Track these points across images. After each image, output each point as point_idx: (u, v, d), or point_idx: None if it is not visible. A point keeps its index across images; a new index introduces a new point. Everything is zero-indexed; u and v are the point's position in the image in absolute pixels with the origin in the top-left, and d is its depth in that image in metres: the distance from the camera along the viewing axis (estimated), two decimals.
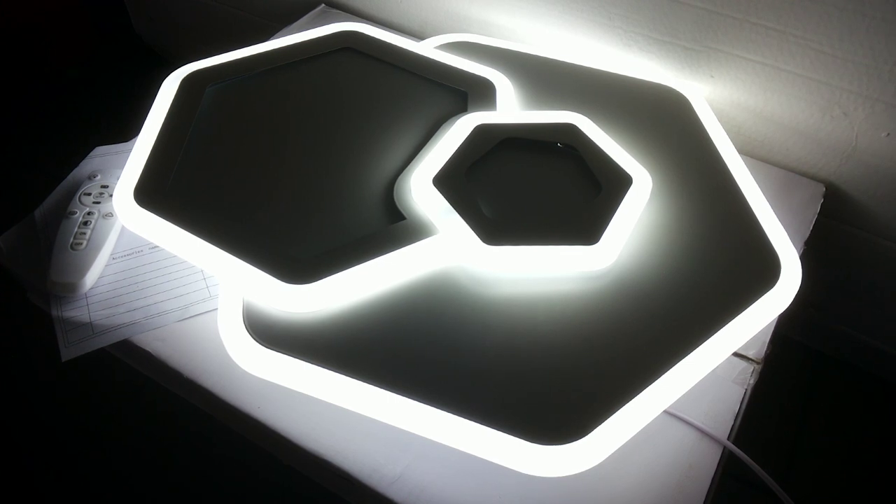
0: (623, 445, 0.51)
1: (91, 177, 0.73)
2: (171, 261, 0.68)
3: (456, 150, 0.65)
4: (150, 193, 0.62)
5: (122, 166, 0.66)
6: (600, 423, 0.50)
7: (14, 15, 1.33)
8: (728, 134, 0.73)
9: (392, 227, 0.60)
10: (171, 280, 0.67)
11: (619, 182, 0.64)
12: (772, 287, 0.59)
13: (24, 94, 1.43)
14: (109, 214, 0.69)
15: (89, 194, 0.71)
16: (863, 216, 0.83)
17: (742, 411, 0.60)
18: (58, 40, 1.45)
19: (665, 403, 0.53)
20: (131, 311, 0.64)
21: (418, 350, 0.55)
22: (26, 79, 1.42)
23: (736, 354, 0.63)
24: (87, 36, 1.50)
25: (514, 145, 0.67)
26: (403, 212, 0.61)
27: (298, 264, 0.57)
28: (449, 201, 0.61)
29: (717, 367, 0.55)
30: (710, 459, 0.56)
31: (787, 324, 0.65)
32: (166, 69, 0.74)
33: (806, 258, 0.67)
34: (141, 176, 0.64)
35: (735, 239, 0.63)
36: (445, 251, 0.60)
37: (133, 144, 0.68)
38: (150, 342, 0.62)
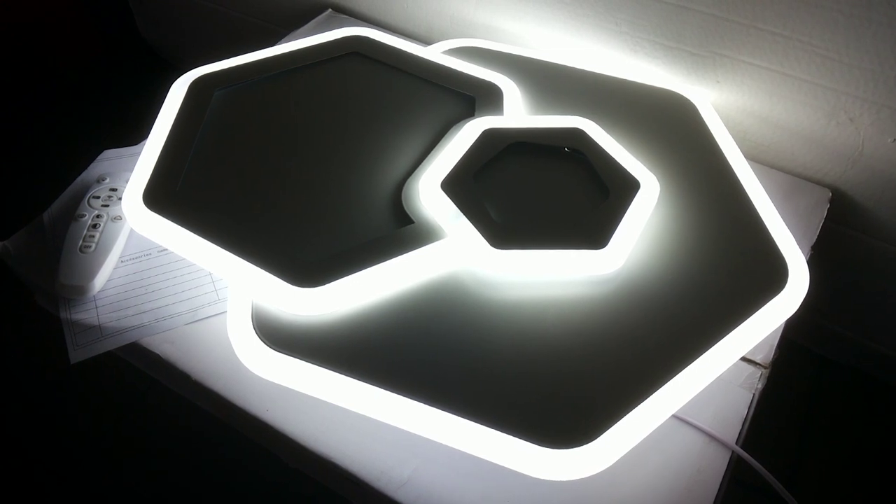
0: (631, 449, 0.51)
1: (100, 180, 0.73)
2: (179, 264, 0.68)
3: (464, 155, 0.65)
4: (159, 196, 0.62)
5: (130, 169, 0.66)
6: (609, 427, 0.51)
7: (19, 18, 1.33)
8: (734, 139, 0.73)
9: (400, 231, 0.60)
10: (180, 283, 0.67)
11: (626, 187, 0.64)
12: (779, 292, 0.59)
13: (29, 98, 1.43)
14: (118, 217, 0.69)
15: (98, 197, 0.71)
16: (869, 221, 0.83)
17: (750, 416, 0.60)
18: (63, 44, 1.45)
19: (673, 408, 0.53)
20: (140, 313, 0.64)
21: (427, 353, 0.55)
22: (32, 82, 1.43)
23: (743, 359, 0.63)
24: (92, 39, 1.51)
25: (522, 150, 0.67)
26: (412, 216, 0.62)
27: (307, 267, 0.57)
28: (457, 205, 0.61)
29: (725, 371, 0.55)
30: (718, 464, 0.56)
31: (793, 329, 0.65)
32: (172, 73, 0.75)
33: (812, 263, 0.68)
34: (150, 179, 0.64)
35: (742, 244, 0.63)
36: (453, 255, 0.60)
37: (141, 148, 0.68)
38: (159, 345, 0.63)
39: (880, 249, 0.85)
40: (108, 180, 0.73)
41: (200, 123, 0.69)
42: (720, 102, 0.82)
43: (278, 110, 0.72)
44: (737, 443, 0.58)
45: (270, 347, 0.55)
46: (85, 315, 0.64)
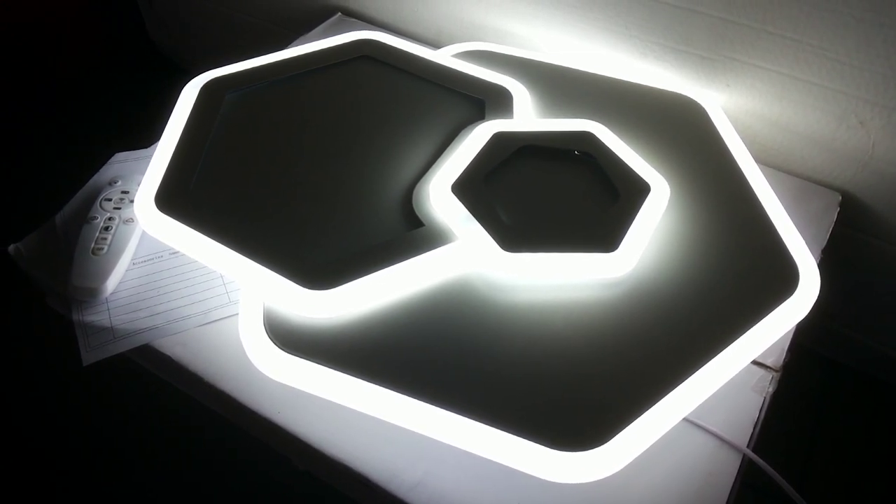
0: (643, 452, 0.51)
1: (111, 182, 0.74)
2: (191, 266, 0.68)
3: (474, 158, 0.65)
4: (171, 199, 0.63)
5: (141, 172, 0.67)
6: (620, 430, 0.51)
7: (31, 19, 1.34)
8: (744, 142, 0.73)
9: (411, 234, 0.60)
10: (192, 285, 0.67)
11: (636, 190, 0.64)
12: (790, 295, 0.59)
13: (39, 100, 1.44)
14: (130, 220, 0.70)
15: (110, 199, 0.72)
16: (879, 225, 0.82)
17: (761, 419, 0.60)
18: (73, 46, 1.46)
19: (685, 411, 0.53)
20: (152, 315, 0.65)
21: (438, 355, 0.55)
22: (42, 84, 1.44)
23: (754, 363, 0.63)
24: (102, 42, 1.51)
25: (532, 153, 0.67)
26: (422, 218, 0.62)
27: (319, 270, 0.57)
28: (468, 208, 0.61)
29: (736, 374, 0.55)
30: (729, 467, 0.56)
31: (803, 332, 0.65)
32: (181, 76, 0.75)
33: (822, 267, 0.67)
34: (162, 181, 0.64)
35: (753, 247, 0.63)
36: (464, 258, 0.60)
37: (152, 150, 0.69)
38: (171, 347, 0.63)
39: (890, 253, 0.84)
40: (119, 183, 0.74)
41: (212, 126, 0.70)
42: (730, 106, 0.82)
43: (289, 113, 0.72)
44: (748, 446, 0.58)
45: (282, 349, 0.55)
46: (97, 317, 0.65)
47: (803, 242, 0.64)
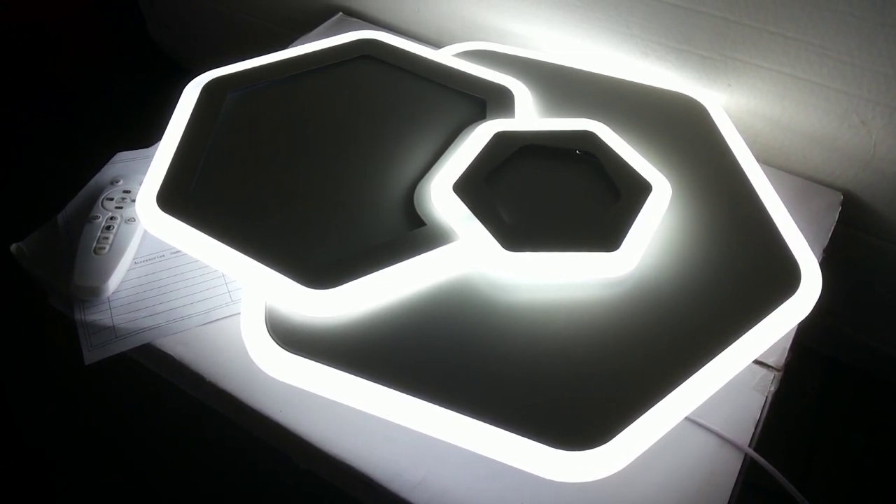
0: (644, 452, 0.51)
1: (113, 182, 0.74)
2: (192, 265, 0.69)
3: (475, 157, 0.65)
4: (173, 198, 0.63)
5: (143, 171, 0.67)
6: (622, 429, 0.51)
7: (32, 19, 1.34)
8: (745, 142, 0.73)
9: (413, 233, 0.60)
10: (193, 284, 0.67)
11: (638, 189, 0.64)
12: (792, 295, 0.59)
13: (41, 99, 1.44)
14: (132, 219, 0.70)
15: (112, 199, 0.72)
16: (880, 224, 0.82)
17: (763, 419, 0.60)
18: (75, 46, 1.46)
19: (686, 410, 0.53)
20: (154, 314, 0.65)
21: (439, 354, 0.55)
22: (44, 84, 1.44)
23: (756, 362, 0.63)
24: (104, 42, 1.52)
25: (534, 152, 0.67)
26: (424, 218, 0.62)
27: (320, 269, 0.57)
28: (469, 208, 0.61)
29: (738, 374, 0.55)
30: (731, 466, 0.56)
31: (804, 331, 0.65)
32: (182, 76, 0.75)
33: (823, 266, 0.67)
34: (163, 181, 0.64)
35: (754, 246, 0.63)
36: (466, 257, 0.60)
37: (154, 150, 0.69)
38: (173, 346, 0.63)
39: (892, 252, 0.84)
40: (121, 182, 0.74)
41: (214, 125, 0.70)
42: (731, 105, 0.82)
43: (291, 113, 0.72)
44: (750, 445, 0.58)
45: (284, 349, 0.55)
46: (99, 316, 0.65)
47: (805, 242, 0.64)
